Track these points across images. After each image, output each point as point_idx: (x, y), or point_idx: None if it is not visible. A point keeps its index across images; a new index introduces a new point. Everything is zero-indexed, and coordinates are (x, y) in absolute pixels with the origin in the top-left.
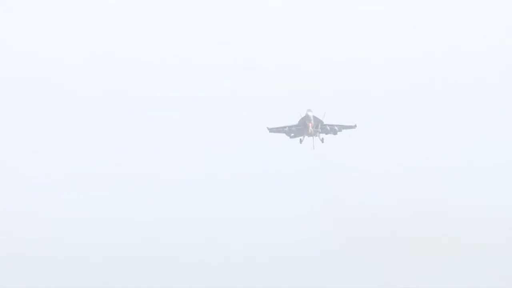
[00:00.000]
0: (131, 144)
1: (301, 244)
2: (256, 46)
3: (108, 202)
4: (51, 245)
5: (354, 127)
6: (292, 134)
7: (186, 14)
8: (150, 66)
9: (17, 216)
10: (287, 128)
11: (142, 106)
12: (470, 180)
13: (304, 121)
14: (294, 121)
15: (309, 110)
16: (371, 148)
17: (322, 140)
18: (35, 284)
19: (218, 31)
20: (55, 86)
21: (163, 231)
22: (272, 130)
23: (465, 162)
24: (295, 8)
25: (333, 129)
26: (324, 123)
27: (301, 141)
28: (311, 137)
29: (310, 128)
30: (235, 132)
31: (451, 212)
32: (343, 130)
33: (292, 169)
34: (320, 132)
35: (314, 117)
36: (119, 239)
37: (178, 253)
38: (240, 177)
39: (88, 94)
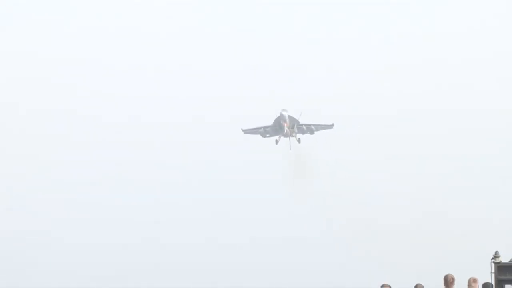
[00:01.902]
0: (131, 144)
1: (301, 243)
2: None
3: (108, 202)
4: (51, 245)
5: (331, 126)
6: (268, 135)
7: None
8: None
9: (17, 215)
10: (262, 129)
11: (141, 107)
12: (468, 180)
13: (279, 121)
14: (269, 121)
15: (284, 110)
16: (371, 147)
17: (298, 140)
18: (34, 284)
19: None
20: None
21: (163, 231)
22: (246, 131)
23: (463, 161)
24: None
25: (309, 129)
26: (300, 122)
27: (276, 141)
28: (288, 138)
29: (286, 128)
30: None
31: (450, 212)
32: (321, 130)
33: (287, 169)
34: (296, 132)
35: (290, 117)
36: (119, 240)
37: (178, 253)
38: (237, 177)
39: (90, 89)
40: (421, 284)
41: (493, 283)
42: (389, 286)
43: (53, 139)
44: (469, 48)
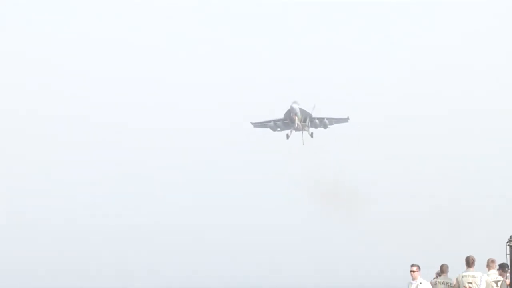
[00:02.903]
0: (131, 144)
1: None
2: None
3: (108, 202)
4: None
5: (346, 120)
6: (278, 129)
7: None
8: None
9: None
10: (272, 123)
11: (141, 107)
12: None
13: (290, 114)
14: (280, 114)
15: (294, 103)
16: (371, 144)
17: (311, 135)
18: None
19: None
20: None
21: (163, 230)
22: (256, 125)
23: (465, 159)
24: None
25: (323, 123)
26: (313, 116)
27: (288, 136)
28: (300, 132)
29: (297, 122)
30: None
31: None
32: (335, 124)
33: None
34: (309, 126)
35: (302, 110)
36: (118, 240)
37: (178, 253)
38: (238, 176)
39: (91, 90)
40: (446, 264)
41: (509, 263)
42: (418, 266)
43: (53, 139)
44: (469, 49)
